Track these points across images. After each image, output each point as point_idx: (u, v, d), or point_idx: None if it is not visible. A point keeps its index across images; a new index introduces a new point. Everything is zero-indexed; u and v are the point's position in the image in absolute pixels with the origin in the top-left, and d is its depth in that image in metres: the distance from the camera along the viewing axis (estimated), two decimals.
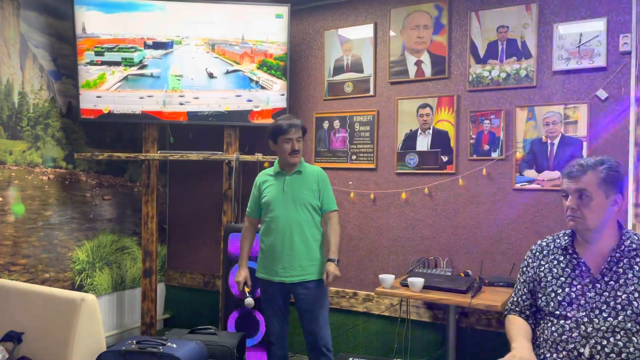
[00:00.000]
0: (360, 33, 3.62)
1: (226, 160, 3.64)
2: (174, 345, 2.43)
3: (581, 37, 2.94)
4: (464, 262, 3.25)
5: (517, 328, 1.86)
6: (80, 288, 3.66)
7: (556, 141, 3.01)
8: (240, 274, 2.88)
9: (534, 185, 3.06)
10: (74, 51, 3.47)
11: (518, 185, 3.11)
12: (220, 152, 3.66)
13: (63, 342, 2.35)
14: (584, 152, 2.92)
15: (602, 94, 2.89)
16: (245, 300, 2.87)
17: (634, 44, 2.81)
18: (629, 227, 2.81)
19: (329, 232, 2.82)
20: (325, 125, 3.74)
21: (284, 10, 3.54)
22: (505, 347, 1.84)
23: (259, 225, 2.90)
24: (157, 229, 3.76)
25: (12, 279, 3.16)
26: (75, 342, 2.35)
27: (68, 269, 3.61)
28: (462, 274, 3.13)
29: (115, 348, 2.43)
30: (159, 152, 3.69)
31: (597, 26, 2.90)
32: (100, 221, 3.85)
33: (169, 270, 4.43)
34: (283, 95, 3.60)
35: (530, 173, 3.07)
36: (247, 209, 2.96)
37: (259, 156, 3.56)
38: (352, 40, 3.65)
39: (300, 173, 2.81)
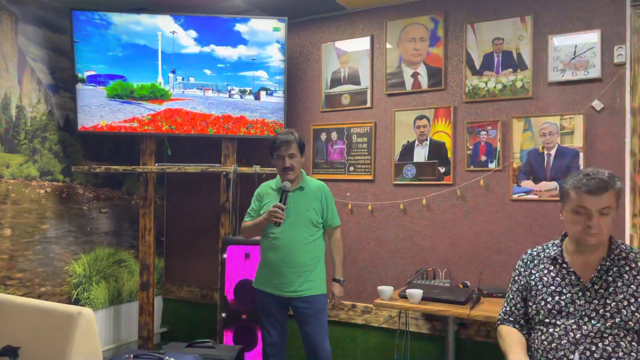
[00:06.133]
0: (357, 45, 3.65)
1: (224, 173, 3.65)
2: (172, 359, 2.42)
3: (576, 48, 2.97)
4: (463, 273, 3.25)
5: (512, 339, 1.86)
6: (76, 302, 3.63)
7: (553, 152, 3.02)
8: (271, 206, 2.65)
9: (531, 196, 3.07)
10: (71, 65, 3.48)
11: (515, 196, 3.11)
12: (217, 165, 3.67)
13: (59, 357, 2.33)
14: (581, 163, 2.93)
15: (597, 104, 2.91)
16: (283, 186, 2.67)
17: (628, 55, 2.84)
18: (627, 236, 2.82)
19: (332, 250, 2.88)
20: (323, 137, 3.75)
21: (281, 23, 3.57)
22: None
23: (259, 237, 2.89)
24: (155, 242, 3.75)
25: (8, 293, 3.14)
26: (72, 356, 2.33)
27: (65, 282, 3.59)
28: (461, 285, 3.13)
29: None
30: (156, 164, 3.68)
31: (591, 38, 2.93)
32: (97, 234, 3.84)
33: (166, 283, 4.41)
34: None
35: (528, 184, 3.08)
36: (247, 217, 2.88)
37: (256, 168, 3.56)
38: (349, 52, 3.68)
39: (302, 189, 2.79)
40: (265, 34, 3.57)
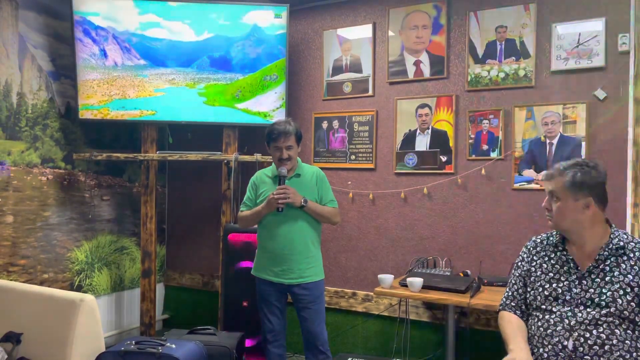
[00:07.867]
0: (359, 33, 3.62)
1: (225, 161, 3.64)
2: (173, 346, 2.44)
3: (580, 37, 2.94)
4: (463, 261, 3.26)
5: (513, 327, 1.88)
6: (79, 288, 3.65)
7: (555, 141, 3.01)
8: (270, 194, 2.68)
9: (532, 185, 3.06)
10: (72, 51, 3.47)
11: (517, 185, 3.11)
12: (219, 153, 3.66)
13: (62, 343, 2.35)
14: (583, 152, 2.92)
15: (600, 93, 2.89)
16: (280, 172, 2.69)
17: (633, 44, 2.81)
18: (627, 226, 2.81)
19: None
20: (324, 125, 3.74)
21: (282, 10, 3.54)
22: (504, 348, 1.84)
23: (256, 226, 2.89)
24: (156, 230, 3.76)
25: (11, 280, 3.15)
26: (74, 342, 2.35)
27: (67, 269, 3.60)
28: (461, 274, 3.14)
29: (114, 348, 2.43)
30: (157, 152, 3.68)
31: (595, 26, 2.91)
32: (99, 222, 3.85)
33: (168, 270, 4.43)
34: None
35: (529, 173, 3.08)
36: (243, 207, 2.89)
37: (257, 156, 3.55)
38: (351, 40, 3.65)
39: (299, 176, 2.79)
40: (258, 21, 3.54)
